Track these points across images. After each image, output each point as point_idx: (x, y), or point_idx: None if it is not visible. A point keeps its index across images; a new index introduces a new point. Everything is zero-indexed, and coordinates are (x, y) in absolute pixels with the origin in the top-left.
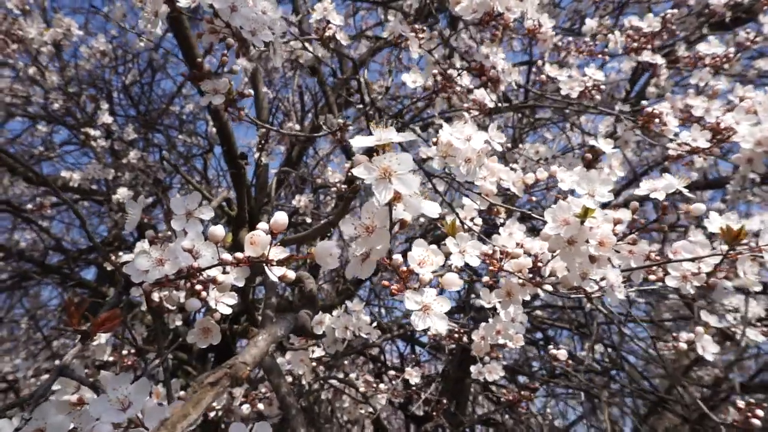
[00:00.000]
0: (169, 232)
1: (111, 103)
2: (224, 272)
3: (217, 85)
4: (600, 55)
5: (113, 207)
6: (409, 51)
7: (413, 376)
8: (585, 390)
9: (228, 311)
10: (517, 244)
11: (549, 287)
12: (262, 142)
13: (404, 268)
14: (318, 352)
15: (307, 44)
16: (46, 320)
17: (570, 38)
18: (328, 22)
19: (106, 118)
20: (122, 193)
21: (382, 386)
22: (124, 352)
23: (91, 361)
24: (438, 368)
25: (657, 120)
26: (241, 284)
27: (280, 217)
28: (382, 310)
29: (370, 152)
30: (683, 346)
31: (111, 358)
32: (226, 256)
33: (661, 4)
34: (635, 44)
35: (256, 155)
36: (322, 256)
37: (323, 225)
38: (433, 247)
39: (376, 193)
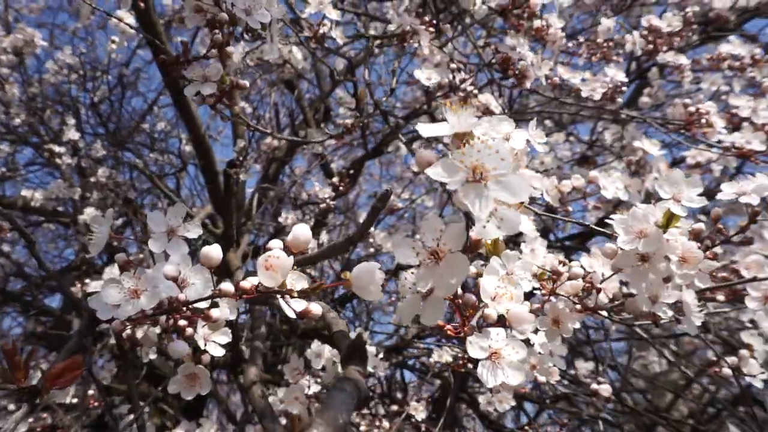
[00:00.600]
0: (143, 256)
1: (78, 120)
2: (214, 305)
3: (208, 70)
4: (615, 58)
5: (80, 229)
6: (415, 47)
7: (419, 411)
8: (604, 419)
9: (220, 353)
10: (561, 262)
11: (603, 312)
12: (240, 158)
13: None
14: (315, 388)
15: (285, 51)
16: None
17: (581, 39)
18: (324, 17)
19: (73, 135)
20: (89, 213)
21: (385, 424)
22: (90, 391)
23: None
24: (426, 391)
25: (703, 120)
26: (233, 317)
27: (302, 232)
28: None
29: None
30: (728, 371)
31: (74, 400)
32: (226, 287)
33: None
34: (651, 46)
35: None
36: (363, 283)
37: (342, 243)
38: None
39: (467, 203)
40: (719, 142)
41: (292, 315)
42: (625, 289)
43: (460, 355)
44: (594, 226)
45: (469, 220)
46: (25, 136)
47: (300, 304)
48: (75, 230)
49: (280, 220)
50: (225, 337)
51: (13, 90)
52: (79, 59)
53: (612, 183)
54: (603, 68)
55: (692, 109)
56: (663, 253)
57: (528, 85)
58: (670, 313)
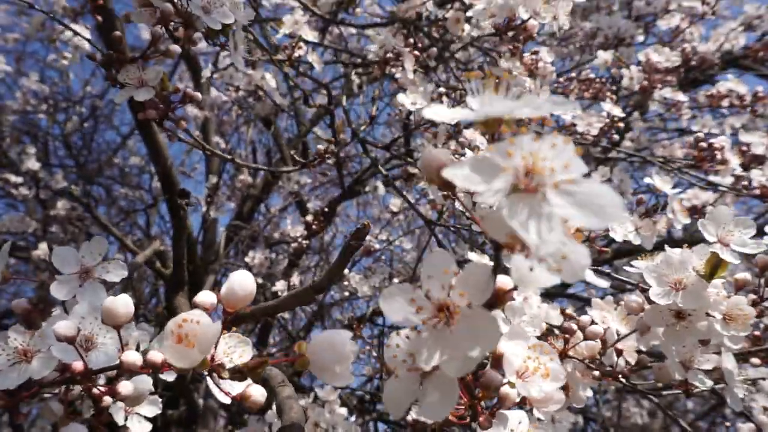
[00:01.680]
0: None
1: (46, 151)
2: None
3: (145, 74)
4: (609, 95)
5: (39, 264)
6: (398, 73)
7: None
8: None
9: (145, 429)
10: (568, 317)
11: (621, 378)
12: (211, 194)
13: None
14: None
15: (258, 77)
16: None
17: (573, 75)
18: (300, 39)
19: (32, 165)
20: (44, 249)
21: None
22: None
23: None
24: None
25: (717, 155)
26: (172, 378)
27: (241, 281)
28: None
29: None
30: None
31: None
32: (130, 359)
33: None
34: (646, 81)
35: (204, 209)
36: (325, 362)
37: (306, 290)
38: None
39: (516, 225)
40: (737, 180)
41: (224, 399)
42: (642, 348)
43: None
44: (614, 275)
45: (498, 261)
46: None
47: (236, 386)
48: (34, 266)
49: (247, 260)
50: (153, 408)
51: None
52: (49, 89)
53: (621, 224)
54: (595, 106)
55: (704, 144)
56: (705, 309)
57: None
58: (709, 382)
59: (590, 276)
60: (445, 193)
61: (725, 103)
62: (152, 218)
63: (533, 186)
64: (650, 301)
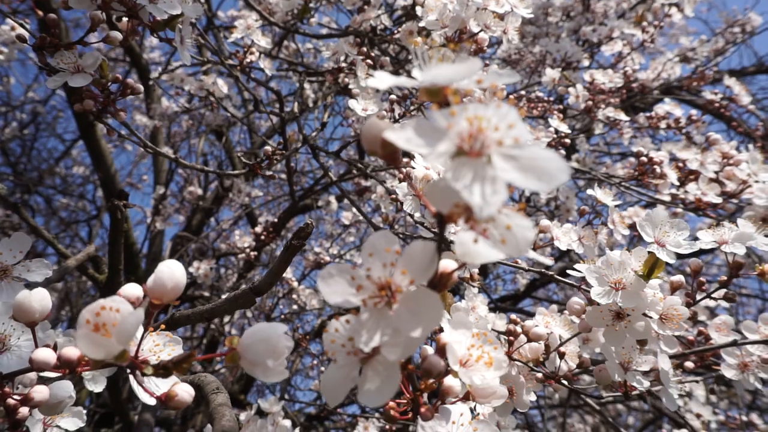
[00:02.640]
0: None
1: None
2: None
3: (82, 59)
4: (555, 113)
5: None
6: (351, 83)
7: None
8: None
9: None
10: (514, 321)
11: (563, 381)
12: (158, 205)
13: (434, 374)
14: None
15: (209, 82)
16: None
17: (522, 92)
18: (252, 43)
19: None
20: None
21: None
22: None
23: None
24: None
25: (656, 169)
26: (100, 388)
27: (170, 272)
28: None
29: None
30: None
31: None
32: (41, 356)
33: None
34: (591, 101)
35: (149, 221)
36: (257, 357)
37: (245, 292)
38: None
39: (460, 188)
40: (673, 198)
41: (148, 400)
42: (585, 354)
43: (387, 427)
44: (557, 276)
45: (441, 237)
46: None
47: (162, 384)
48: None
49: (191, 270)
50: (76, 420)
51: None
52: None
53: (565, 234)
54: (545, 121)
55: (644, 158)
56: (643, 309)
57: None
58: (646, 383)
59: (533, 253)
60: (389, 164)
61: (663, 125)
62: (95, 230)
63: (478, 149)
64: (592, 303)
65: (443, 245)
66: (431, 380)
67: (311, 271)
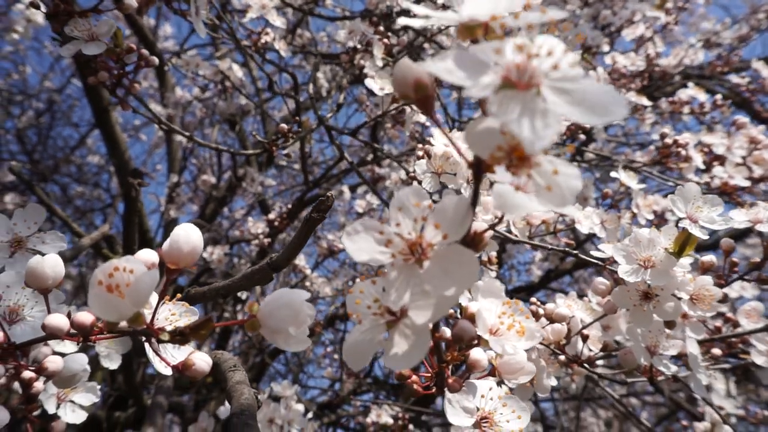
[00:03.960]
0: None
1: None
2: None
3: (96, 27)
4: None
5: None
6: (367, 63)
7: None
8: None
9: (79, 419)
10: (534, 303)
11: (585, 365)
12: (172, 193)
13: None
14: None
15: (225, 66)
16: None
17: None
18: (267, 24)
19: None
20: None
21: None
22: None
23: None
24: None
25: (681, 152)
26: (115, 365)
27: (186, 235)
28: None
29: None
30: None
31: None
32: (54, 322)
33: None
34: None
35: (162, 209)
36: (279, 324)
37: (262, 268)
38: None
39: (508, 121)
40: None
41: (164, 369)
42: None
43: (401, 414)
44: (583, 255)
45: (476, 190)
46: None
47: (180, 353)
48: None
49: (205, 255)
50: (91, 396)
51: None
52: (4, 81)
53: (587, 218)
54: None
55: (669, 140)
56: (673, 288)
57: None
58: (674, 367)
59: (572, 209)
60: (421, 110)
61: (686, 110)
62: (110, 218)
63: (526, 81)
64: (618, 283)
65: (477, 199)
66: (460, 349)
67: (324, 259)
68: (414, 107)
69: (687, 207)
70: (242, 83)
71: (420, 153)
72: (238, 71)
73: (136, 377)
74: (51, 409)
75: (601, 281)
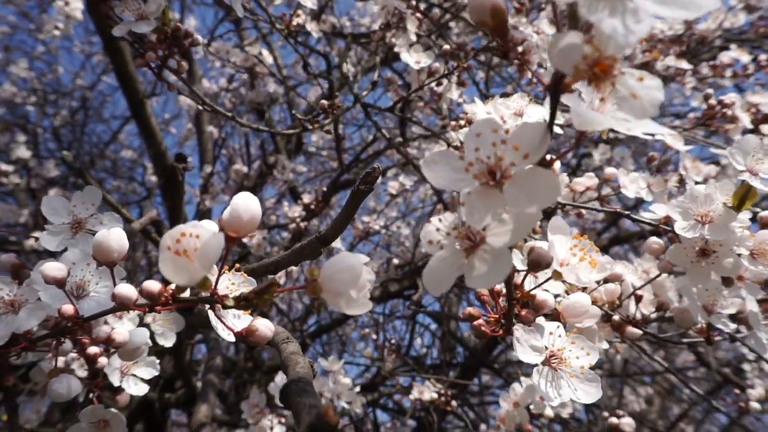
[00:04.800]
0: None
1: (36, 144)
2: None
3: (146, 6)
4: None
5: (30, 256)
6: (398, 41)
7: None
8: None
9: (141, 391)
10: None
11: (635, 330)
12: (206, 184)
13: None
14: (278, 430)
15: (255, 51)
16: None
17: None
18: (299, 6)
19: (22, 153)
20: (30, 244)
21: None
22: None
23: None
24: None
25: (727, 112)
26: (170, 343)
27: (246, 204)
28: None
29: None
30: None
31: None
32: (124, 291)
33: None
34: (648, 52)
35: (198, 199)
36: (340, 287)
37: (311, 242)
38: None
39: (597, 20)
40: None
41: (228, 336)
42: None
43: (443, 391)
44: (633, 215)
45: (554, 110)
46: None
47: (240, 322)
48: (25, 258)
49: (245, 240)
50: (151, 369)
51: None
52: (39, 81)
53: (633, 182)
54: None
55: (713, 101)
56: (732, 243)
57: (530, 72)
58: (732, 325)
59: (653, 124)
60: (497, 37)
61: (728, 73)
62: (146, 211)
63: None
64: (672, 242)
65: (554, 119)
66: (523, 289)
67: (359, 241)
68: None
69: (746, 160)
70: (270, 70)
71: (463, 121)
72: (268, 56)
73: (184, 357)
74: (115, 381)
75: (655, 240)
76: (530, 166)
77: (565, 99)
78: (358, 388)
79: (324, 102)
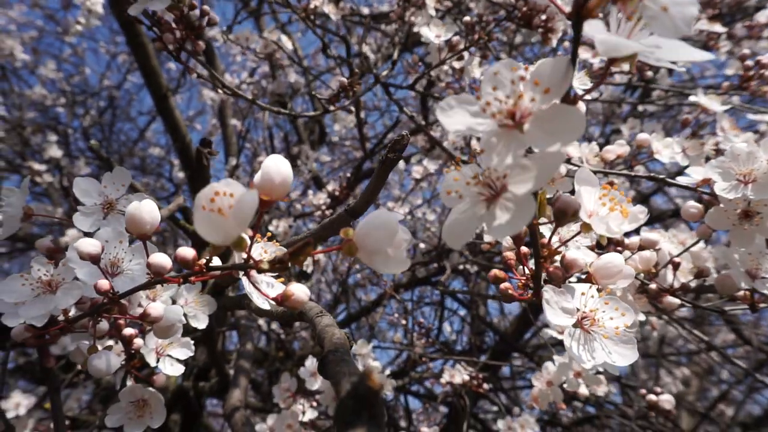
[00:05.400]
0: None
1: (67, 144)
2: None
3: None
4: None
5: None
6: (417, 19)
7: None
8: None
9: (177, 371)
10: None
11: (674, 299)
12: (231, 176)
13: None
14: (310, 414)
15: (274, 38)
16: None
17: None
18: None
19: (54, 152)
20: (72, 235)
21: None
22: (52, 425)
23: None
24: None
25: (765, 74)
26: (203, 325)
27: (277, 166)
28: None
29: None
30: None
31: None
32: (158, 260)
33: None
34: None
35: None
36: (376, 245)
37: (341, 215)
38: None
39: None
40: None
41: (263, 303)
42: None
43: (474, 374)
44: (669, 179)
45: (577, 41)
46: (10, 162)
47: (274, 288)
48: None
49: (271, 228)
50: (186, 350)
51: None
52: (67, 82)
53: (667, 147)
54: None
55: (750, 62)
56: None
57: (555, 41)
58: None
59: (686, 49)
60: None
61: (765, 33)
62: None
63: None
64: (711, 206)
65: (577, 52)
66: (547, 243)
67: None
68: None
69: None
70: (291, 56)
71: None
72: (288, 42)
73: (216, 344)
74: (152, 362)
75: (693, 204)
76: (552, 102)
77: (588, 27)
78: (388, 371)
79: (344, 80)
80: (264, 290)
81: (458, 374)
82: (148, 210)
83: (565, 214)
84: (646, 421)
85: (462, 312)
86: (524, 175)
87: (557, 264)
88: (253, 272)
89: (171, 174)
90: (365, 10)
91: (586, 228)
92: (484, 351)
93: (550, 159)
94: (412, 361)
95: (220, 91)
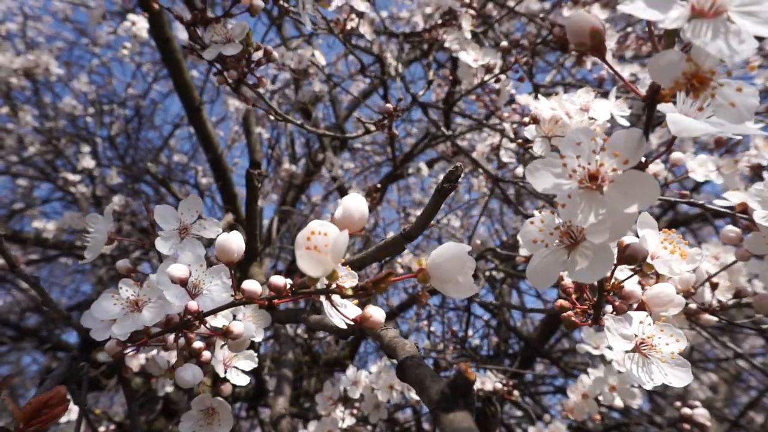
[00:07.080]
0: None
1: (95, 152)
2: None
3: (231, 29)
4: None
5: (96, 262)
6: (450, 38)
7: None
8: None
9: (244, 381)
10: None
11: (711, 317)
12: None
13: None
14: (349, 421)
15: (308, 54)
16: (24, 389)
17: (629, 30)
18: (351, 9)
19: (87, 162)
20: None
21: None
22: (102, 429)
23: None
24: None
25: None
26: (259, 338)
27: (355, 205)
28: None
29: None
30: None
31: None
32: (250, 286)
33: None
34: None
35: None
36: (448, 274)
37: (396, 238)
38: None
39: (702, 44)
40: None
41: (343, 324)
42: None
43: (505, 381)
44: (711, 206)
45: (650, 118)
46: (43, 170)
47: (352, 310)
48: (92, 264)
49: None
50: (250, 362)
51: (27, 118)
52: (95, 92)
53: (701, 165)
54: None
55: None
56: None
57: (589, 64)
58: None
59: (750, 125)
60: (594, 57)
61: None
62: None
63: (714, 11)
64: (749, 230)
65: (650, 126)
66: (615, 282)
67: None
68: (588, 53)
69: None
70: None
71: (528, 119)
72: (321, 57)
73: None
74: (220, 372)
75: (732, 229)
76: (628, 169)
77: (661, 108)
78: None
79: (389, 106)
80: (349, 311)
81: (488, 381)
82: (235, 240)
83: (635, 259)
84: (677, 429)
85: (486, 317)
86: (600, 227)
87: (619, 298)
88: (335, 296)
89: (195, 179)
90: (387, 18)
91: (650, 268)
92: (510, 356)
93: (626, 218)
94: (441, 368)
95: (272, 116)
